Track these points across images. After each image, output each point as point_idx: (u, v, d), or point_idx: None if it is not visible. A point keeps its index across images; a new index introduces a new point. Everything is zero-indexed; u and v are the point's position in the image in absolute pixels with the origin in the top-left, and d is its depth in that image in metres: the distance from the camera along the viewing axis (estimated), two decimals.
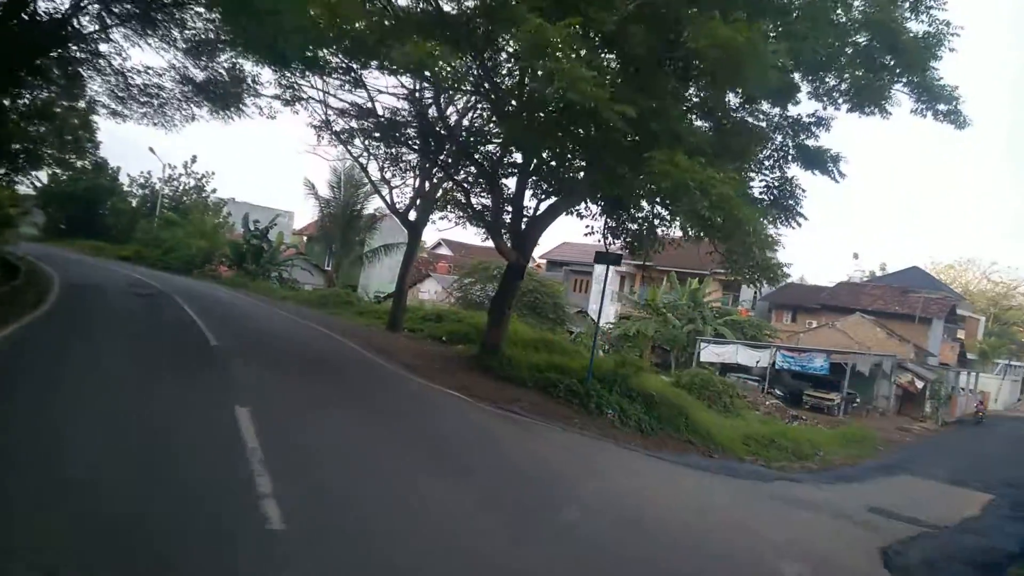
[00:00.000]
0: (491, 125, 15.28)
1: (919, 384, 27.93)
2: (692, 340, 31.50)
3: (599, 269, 52.08)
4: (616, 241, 14.94)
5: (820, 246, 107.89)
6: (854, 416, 25.92)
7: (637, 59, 9.67)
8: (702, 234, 10.75)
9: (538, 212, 14.65)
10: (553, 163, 12.92)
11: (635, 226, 14.45)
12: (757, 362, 28.54)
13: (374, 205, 32.53)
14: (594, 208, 14.36)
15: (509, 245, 14.47)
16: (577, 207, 14.19)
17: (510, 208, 14.84)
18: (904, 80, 11.08)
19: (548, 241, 55.41)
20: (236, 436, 6.44)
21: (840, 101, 11.98)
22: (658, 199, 11.77)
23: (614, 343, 31.50)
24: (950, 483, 15.57)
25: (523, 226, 14.55)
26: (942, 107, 11.22)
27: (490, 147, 15.38)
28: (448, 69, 10.13)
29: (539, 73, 9.33)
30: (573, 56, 8.19)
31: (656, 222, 13.69)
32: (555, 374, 13.22)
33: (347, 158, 24.71)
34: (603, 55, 10.14)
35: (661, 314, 32.46)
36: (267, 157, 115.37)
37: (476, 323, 19.68)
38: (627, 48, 9.40)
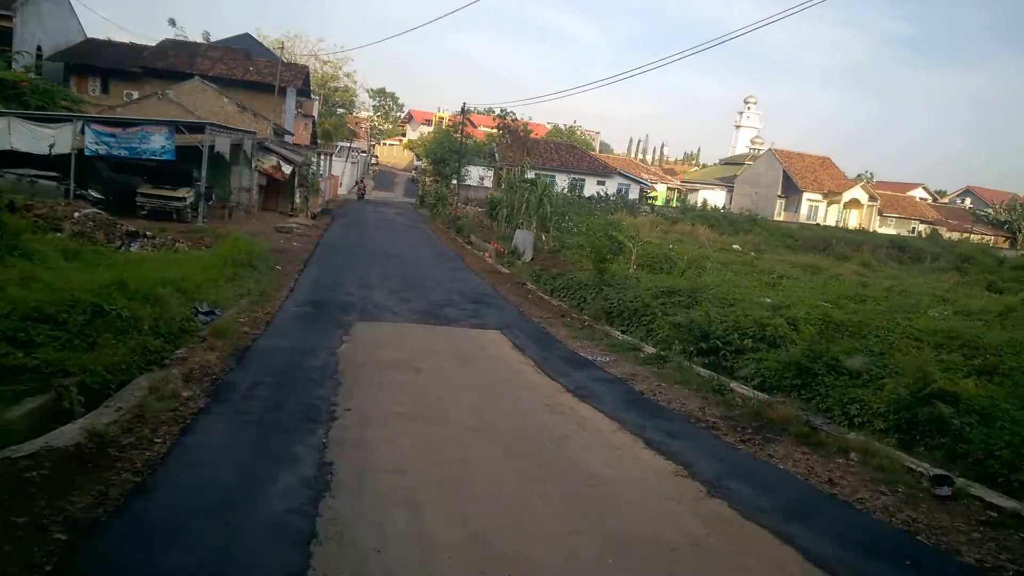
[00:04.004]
0: None
1: (287, 169, 22.55)
2: None
3: None
4: None
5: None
6: (215, 221, 18.70)
7: None
8: None
9: None
10: None
11: None
12: (51, 147, 17.06)
13: None
14: None
15: None
16: None
17: None
18: None
19: None
20: None
21: None
22: None
23: None
24: (431, 321, 10.87)
25: None
26: None
27: None
28: None
29: None
30: None
31: None
32: None
33: None
34: None
35: None
36: None
37: None
38: None
